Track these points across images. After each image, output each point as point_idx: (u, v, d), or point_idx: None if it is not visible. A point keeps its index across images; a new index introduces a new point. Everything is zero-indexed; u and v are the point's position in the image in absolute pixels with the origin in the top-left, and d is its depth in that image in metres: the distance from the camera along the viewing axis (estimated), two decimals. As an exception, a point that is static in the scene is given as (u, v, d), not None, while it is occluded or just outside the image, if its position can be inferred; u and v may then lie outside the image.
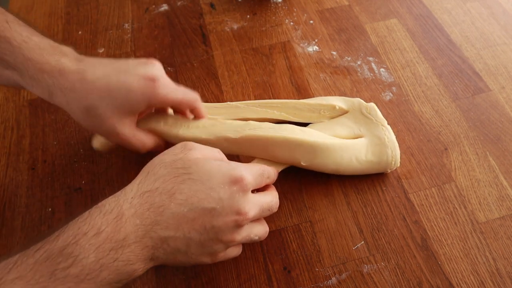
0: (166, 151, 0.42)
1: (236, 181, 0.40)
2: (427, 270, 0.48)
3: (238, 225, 0.40)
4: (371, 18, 0.73)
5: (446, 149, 0.57)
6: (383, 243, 0.50)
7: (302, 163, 0.52)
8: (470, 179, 0.54)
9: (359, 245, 0.50)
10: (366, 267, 0.48)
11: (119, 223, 0.35)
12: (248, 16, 0.75)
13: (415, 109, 0.61)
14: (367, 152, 0.52)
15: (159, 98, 0.47)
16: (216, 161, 0.41)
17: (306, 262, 0.49)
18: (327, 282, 0.47)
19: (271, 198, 0.45)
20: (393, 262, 0.48)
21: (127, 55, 0.70)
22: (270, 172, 0.46)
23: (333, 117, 0.56)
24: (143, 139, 0.50)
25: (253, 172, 0.43)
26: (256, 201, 0.43)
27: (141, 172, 0.41)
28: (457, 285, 0.46)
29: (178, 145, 0.42)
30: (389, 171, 0.54)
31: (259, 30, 0.72)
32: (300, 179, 0.55)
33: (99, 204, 0.37)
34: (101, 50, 0.71)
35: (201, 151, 0.42)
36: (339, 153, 0.51)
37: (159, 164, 0.40)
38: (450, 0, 0.75)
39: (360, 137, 0.54)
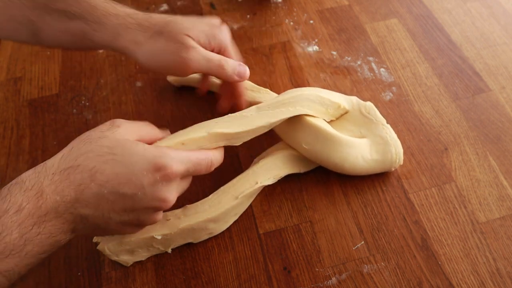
0: (94, 128, 0.42)
1: (159, 169, 0.39)
2: (427, 270, 0.48)
3: (159, 210, 0.42)
4: (371, 18, 0.73)
5: (446, 149, 0.57)
6: (383, 243, 0.50)
7: (303, 145, 0.52)
8: (470, 179, 0.54)
9: (359, 245, 0.50)
10: (366, 267, 0.48)
11: (40, 200, 0.35)
12: (248, 16, 0.75)
13: (415, 109, 0.61)
14: (371, 151, 0.52)
15: (219, 40, 0.51)
16: (144, 145, 0.40)
17: (306, 262, 0.49)
18: (327, 282, 0.47)
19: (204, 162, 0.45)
20: (393, 262, 0.48)
21: (127, 55, 0.70)
22: (213, 159, 0.45)
23: (335, 116, 0.55)
24: (214, 56, 0.51)
25: (184, 160, 0.42)
26: (179, 186, 0.42)
27: (66, 147, 0.41)
28: (457, 285, 0.46)
29: (107, 122, 0.42)
30: (392, 169, 0.54)
31: (259, 30, 0.72)
32: (300, 179, 0.55)
33: (18, 179, 0.37)
34: (100, 50, 0.71)
35: (129, 129, 0.42)
36: (345, 149, 0.51)
37: (85, 140, 0.40)
38: (451, 0, 0.75)
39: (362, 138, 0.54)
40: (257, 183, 0.51)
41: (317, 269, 0.48)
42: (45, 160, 0.58)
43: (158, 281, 0.49)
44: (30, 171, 0.38)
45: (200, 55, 0.49)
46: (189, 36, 0.49)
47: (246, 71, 0.51)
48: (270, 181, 0.52)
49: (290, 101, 0.52)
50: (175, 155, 0.41)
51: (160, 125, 0.61)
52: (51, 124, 0.62)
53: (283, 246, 0.50)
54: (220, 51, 0.52)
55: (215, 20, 0.53)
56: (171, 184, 0.41)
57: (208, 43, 0.50)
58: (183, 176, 0.43)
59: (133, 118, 0.62)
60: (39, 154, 0.59)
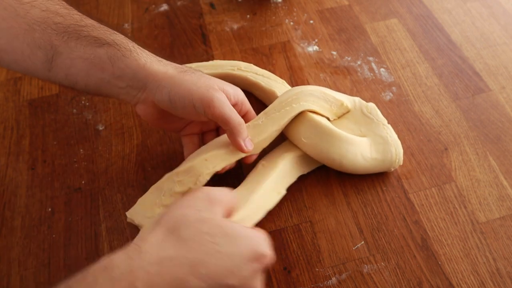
0: (187, 203, 0.39)
1: (259, 259, 0.38)
2: (427, 270, 0.48)
3: None
4: (371, 18, 0.73)
5: (446, 149, 0.57)
6: (383, 243, 0.50)
7: (302, 139, 0.52)
8: (470, 179, 0.54)
9: (359, 245, 0.50)
10: (366, 267, 0.48)
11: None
12: (248, 16, 0.75)
13: (415, 109, 0.61)
14: (371, 150, 0.52)
15: (241, 97, 0.52)
16: (241, 227, 0.39)
17: (306, 262, 0.49)
18: (327, 282, 0.47)
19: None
20: (393, 262, 0.48)
21: (127, 55, 0.70)
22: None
23: (337, 115, 0.56)
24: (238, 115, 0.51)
25: (270, 245, 0.40)
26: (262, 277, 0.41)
27: (160, 224, 0.37)
28: (457, 285, 0.46)
29: (200, 196, 0.40)
30: (392, 169, 0.54)
31: (259, 30, 0.72)
32: (300, 179, 0.55)
33: (108, 262, 0.33)
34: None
35: (224, 204, 0.40)
36: (344, 145, 0.51)
37: (183, 221, 0.37)
38: (451, 0, 0.75)
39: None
40: (279, 193, 0.52)
41: (317, 269, 0.48)
42: (45, 160, 0.59)
43: (158, 281, 0.49)
44: (122, 255, 0.34)
45: (227, 103, 0.48)
46: (220, 89, 0.48)
47: (252, 146, 0.50)
48: (285, 190, 0.52)
49: (293, 98, 0.53)
50: (265, 241, 0.40)
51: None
52: (51, 124, 0.62)
53: (283, 246, 0.50)
54: (241, 112, 0.52)
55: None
56: (261, 273, 0.39)
57: (234, 101, 0.50)
58: None
59: (133, 118, 0.62)
60: (39, 154, 0.59)
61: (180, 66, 0.49)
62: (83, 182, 0.56)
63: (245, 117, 0.53)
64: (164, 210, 0.41)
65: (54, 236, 0.52)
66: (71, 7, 0.49)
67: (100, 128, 0.62)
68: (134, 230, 0.52)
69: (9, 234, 0.53)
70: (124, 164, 0.58)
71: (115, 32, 0.49)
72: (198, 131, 0.55)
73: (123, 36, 0.49)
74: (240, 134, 0.49)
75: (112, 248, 0.51)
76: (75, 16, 0.48)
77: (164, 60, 0.49)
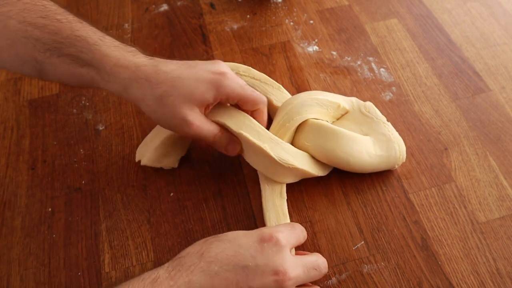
0: (240, 244, 0.42)
1: (266, 239, 0.41)
2: (427, 270, 0.48)
3: (279, 285, 0.40)
4: (371, 18, 0.73)
5: (446, 149, 0.57)
6: (383, 243, 0.50)
7: (305, 143, 0.52)
8: (470, 179, 0.54)
9: (359, 245, 0.50)
10: (366, 267, 0.48)
11: (155, 285, 0.38)
12: (248, 16, 0.75)
13: (415, 109, 0.61)
14: (375, 148, 0.52)
15: (226, 90, 0.48)
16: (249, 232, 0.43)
17: (306, 262, 0.49)
18: (327, 282, 0.47)
19: (315, 258, 0.45)
20: (393, 262, 0.48)
21: (127, 55, 0.70)
22: (301, 236, 0.46)
23: (336, 117, 0.55)
24: (212, 128, 0.50)
25: (288, 234, 0.43)
26: (296, 259, 0.42)
27: (203, 257, 0.42)
28: (457, 285, 0.46)
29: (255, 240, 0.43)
30: (396, 166, 0.54)
31: (259, 30, 0.72)
32: (300, 179, 0.55)
33: (156, 277, 0.39)
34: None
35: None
36: (349, 143, 0.51)
37: (223, 257, 0.41)
38: (451, 0, 0.75)
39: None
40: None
41: (317, 269, 0.48)
42: (45, 160, 0.59)
43: (158, 281, 0.49)
44: (165, 273, 0.40)
45: (200, 128, 0.49)
46: (193, 105, 0.48)
47: (236, 149, 0.52)
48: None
49: (285, 119, 0.52)
50: (278, 230, 0.43)
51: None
52: (51, 124, 0.62)
53: (283, 246, 0.50)
54: (229, 100, 0.51)
55: (220, 67, 0.50)
56: (283, 253, 0.41)
57: (215, 97, 0.49)
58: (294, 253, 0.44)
59: (133, 118, 0.62)
60: (39, 154, 0.59)
61: (154, 75, 0.48)
62: (83, 182, 0.56)
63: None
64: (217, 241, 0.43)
65: (54, 236, 0.52)
66: (48, 9, 0.48)
67: (100, 128, 0.62)
68: (134, 230, 0.52)
69: (9, 234, 0.53)
70: (124, 164, 0.58)
71: (91, 44, 0.48)
72: None
73: (100, 47, 0.48)
74: (219, 144, 0.51)
75: (112, 248, 0.51)
76: (52, 28, 0.47)
77: (138, 71, 0.48)
